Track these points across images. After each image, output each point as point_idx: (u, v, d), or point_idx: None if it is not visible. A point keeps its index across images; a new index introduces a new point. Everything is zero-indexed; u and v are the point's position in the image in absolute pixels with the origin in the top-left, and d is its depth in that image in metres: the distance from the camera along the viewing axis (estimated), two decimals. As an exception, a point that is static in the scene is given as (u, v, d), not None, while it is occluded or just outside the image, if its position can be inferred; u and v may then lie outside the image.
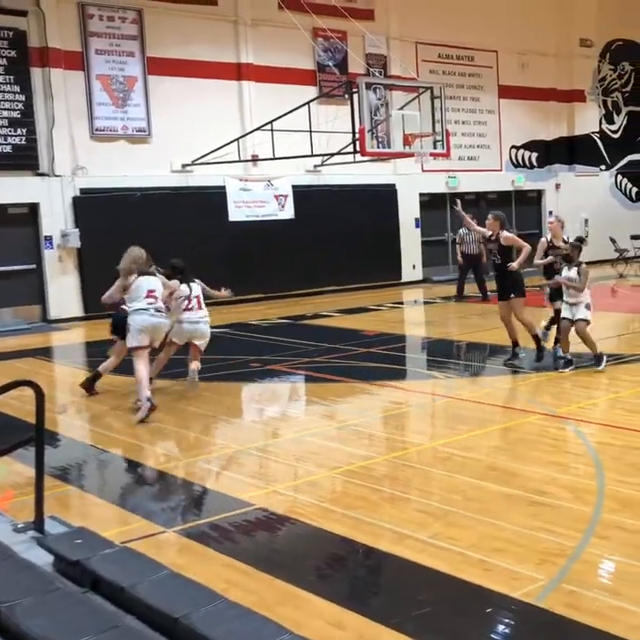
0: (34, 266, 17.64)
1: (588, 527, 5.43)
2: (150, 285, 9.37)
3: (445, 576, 4.79)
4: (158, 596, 3.15)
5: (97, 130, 18.03)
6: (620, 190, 28.11)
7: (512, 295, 10.65)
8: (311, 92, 20.17)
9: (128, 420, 8.98)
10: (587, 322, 10.11)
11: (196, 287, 10.09)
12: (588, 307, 10.14)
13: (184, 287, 9.96)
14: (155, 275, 9.57)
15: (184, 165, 18.97)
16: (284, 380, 11.06)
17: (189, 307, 9.95)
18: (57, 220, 17.55)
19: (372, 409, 9.33)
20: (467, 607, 4.49)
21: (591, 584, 4.68)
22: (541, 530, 5.39)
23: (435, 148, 17.53)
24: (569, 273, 10.20)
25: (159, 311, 9.36)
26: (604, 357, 10.19)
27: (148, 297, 9.27)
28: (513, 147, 25.40)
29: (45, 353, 14.09)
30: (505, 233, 10.72)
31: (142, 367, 9.14)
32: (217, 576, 4.85)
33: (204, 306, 10.10)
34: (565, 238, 11.15)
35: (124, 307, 9.59)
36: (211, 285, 10.45)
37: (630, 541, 5.21)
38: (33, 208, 17.50)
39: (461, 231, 18.28)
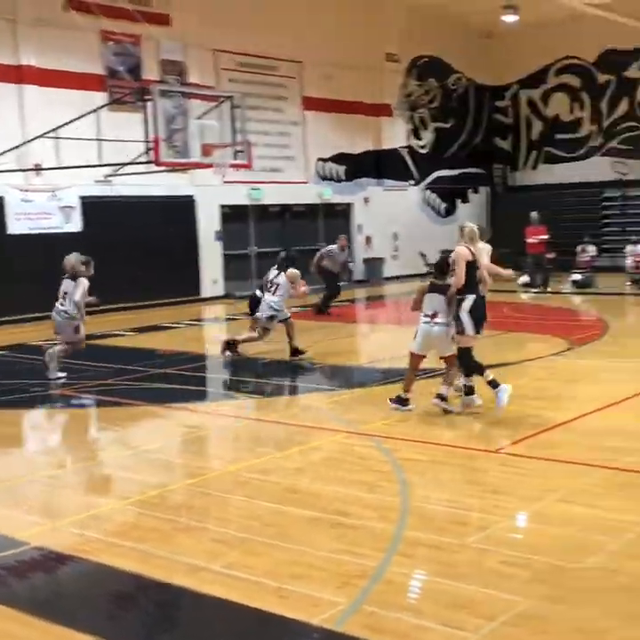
0: None
1: (390, 546, 5.49)
2: (64, 288, 11.59)
3: (240, 606, 4.70)
4: None
5: None
6: (429, 205, 29.22)
7: None
8: (101, 98, 19.68)
9: None
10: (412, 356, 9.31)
11: (276, 275, 12.78)
12: (415, 334, 9.24)
13: (272, 274, 12.87)
14: (74, 279, 11.51)
15: (-44, 174, 18.00)
16: (69, 405, 10.64)
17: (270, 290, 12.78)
18: None
19: (168, 433, 9.13)
20: (262, 637, 4.40)
21: (392, 604, 4.70)
22: (344, 552, 5.40)
23: (235, 158, 17.52)
24: None
25: (65, 312, 11.51)
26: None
27: (61, 298, 11.56)
28: (320, 159, 25.86)
29: None
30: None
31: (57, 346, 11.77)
32: (-16, 626, 4.52)
33: (277, 292, 12.61)
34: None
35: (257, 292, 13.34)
36: None
37: (432, 557, 5.31)
38: None
39: (333, 248, 18.87)
